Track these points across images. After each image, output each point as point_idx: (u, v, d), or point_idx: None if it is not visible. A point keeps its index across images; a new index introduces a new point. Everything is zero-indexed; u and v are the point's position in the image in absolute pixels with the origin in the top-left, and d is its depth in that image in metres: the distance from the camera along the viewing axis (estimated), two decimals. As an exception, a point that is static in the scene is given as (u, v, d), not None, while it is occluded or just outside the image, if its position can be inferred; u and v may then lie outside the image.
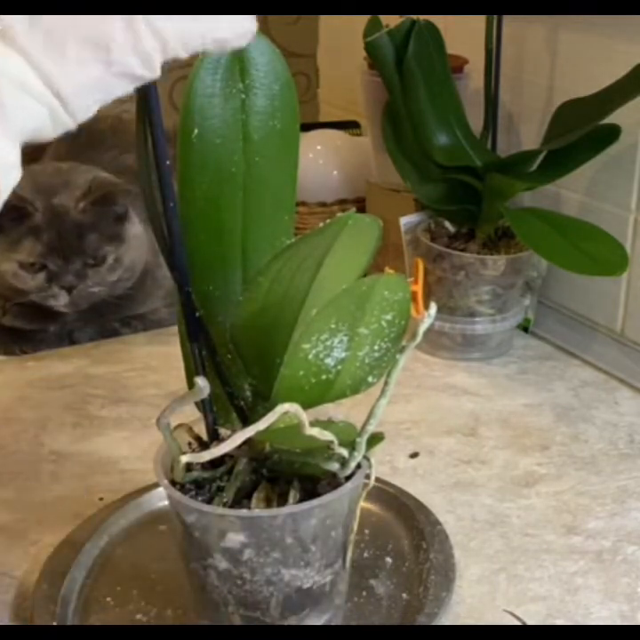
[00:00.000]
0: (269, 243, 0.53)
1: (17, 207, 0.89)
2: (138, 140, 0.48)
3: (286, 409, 0.47)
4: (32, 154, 1.08)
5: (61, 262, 0.91)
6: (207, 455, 0.50)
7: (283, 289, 0.51)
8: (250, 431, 0.48)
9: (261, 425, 0.47)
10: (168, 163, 0.47)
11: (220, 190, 0.50)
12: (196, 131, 0.50)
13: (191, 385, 0.50)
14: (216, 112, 0.50)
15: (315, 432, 0.48)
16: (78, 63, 0.34)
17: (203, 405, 0.54)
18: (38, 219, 0.90)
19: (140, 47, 0.35)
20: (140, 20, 0.35)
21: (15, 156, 0.35)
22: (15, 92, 0.34)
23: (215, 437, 0.56)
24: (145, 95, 0.45)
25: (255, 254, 0.53)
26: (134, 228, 0.96)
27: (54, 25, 0.34)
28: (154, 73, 0.36)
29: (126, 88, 0.36)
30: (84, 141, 1.03)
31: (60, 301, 0.92)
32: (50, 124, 0.35)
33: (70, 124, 0.36)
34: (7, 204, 0.98)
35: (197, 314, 0.52)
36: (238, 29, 0.38)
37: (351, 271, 0.52)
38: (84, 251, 0.91)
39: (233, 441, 0.48)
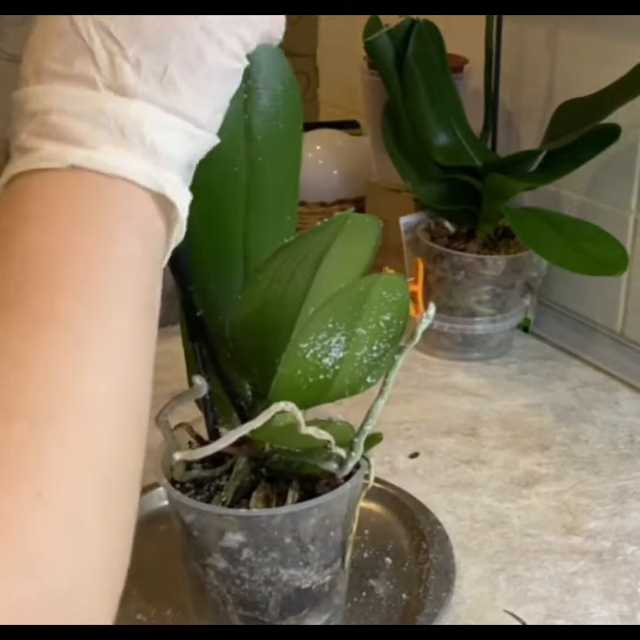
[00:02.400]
0: (271, 243, 0.53)
1: None
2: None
3: (282, 407, 0.47)
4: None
5: None
6: (200, 452, 0.50)
7: (281, 288, 0.51)
8: (245, 429, 0.48)
9: (256, 423, 0.47)
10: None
11: (222, 190, 0.50)
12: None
13: (190, 383, 0.50)
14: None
15: (311, 431, 0.48)
16: (192, 86, 0.36)
17: (203, 404, 0.54)
18: None
19: (226, 47, 0.37)
20: (215, 24, 0.37)
21: (187, 191, 0.38)
22: (158, 132, 0.36)
23: (216, 437, 0.56)
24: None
25: (257, 254, 0.53)
26: None
27: (150, 60, 0.36)
28: (245, 61, 0.39)
29: (235, 83, 0.39)
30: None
31: None
32: (191, 143, 0.37)
33: (214, 140, 0.39)
34: None
35: (198, 313, 0.52)
36: (277, 20, 0.41)
37: (350, 271, 0.52)
38: None
39: (227, 438, 0.48)
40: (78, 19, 0.35)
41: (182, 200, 0.37)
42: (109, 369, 0.32)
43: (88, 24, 0.35)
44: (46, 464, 0.29)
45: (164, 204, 0.36)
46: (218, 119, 0.39)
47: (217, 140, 0.39)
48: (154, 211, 0.36)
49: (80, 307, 0.32)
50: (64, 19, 0.35)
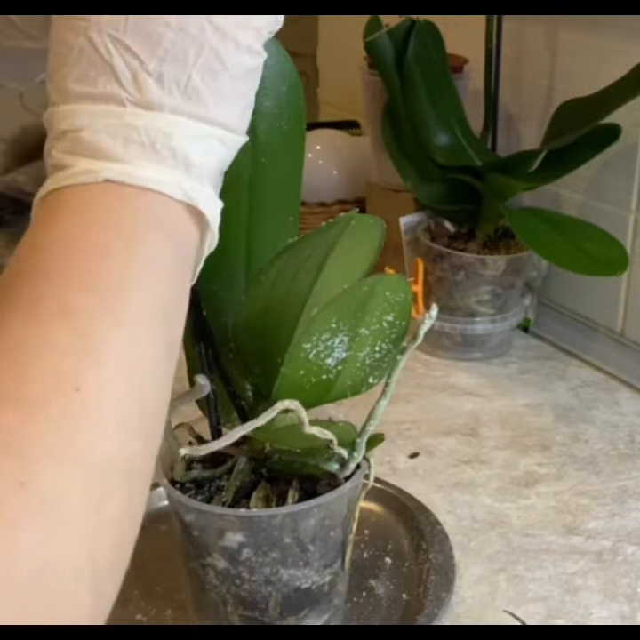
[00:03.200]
0: (274, 243, 0.53)
1: (19, 200, 0.89)
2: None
3: (286, 405, 0.47)
4: (32, 153, 1.08)
5: None
6: (205, 448, 0.50)
7: (285, 288, 0.51)
8: (248, 427, 0.48)
9: (260, 421, 0.47)
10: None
11: (225, 190, 0.50)
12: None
13: (192, 384, 0.50)
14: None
15: (314, 431, 0.48)
16: (216, 91, 0.37)
17: (207, 404, 0.54)
18: None
19: (242, 45, 0.37)
20: (227, 23, 0.37)
21: (218, 200, 0.38)
22: (189, 143, 0.36)
23: (218, 436, 0.56)
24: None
25: (260, 255, 0.53)
26: None
27: (172, 71, 0.36)
28: (263, 53, 0.39)
29: (257, 77, 0.39)
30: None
31: None
32: (223, 149, 0.38)
33: (244, 140, 0.39)
34: (8, 198, 0.98)
35: (203, 313, 0.52)
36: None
37: (353, 271, 0.52)
38: None
39: (230, 436, 0.48)
40: (95, 35, 0.36)
41: (214, 209, 0.38)
42: (118, 363, 0.32)
43: (105, 40, 0.36)
44: (32, 452, 0.29)
45: (197, 213, 0.37)
46: (246, 118, 0.39)
47: (246, 139, 0.39)
48: (186, 218, 0.37)
49: (91, 299, 0.32)
50: (81, 37, 0.36)
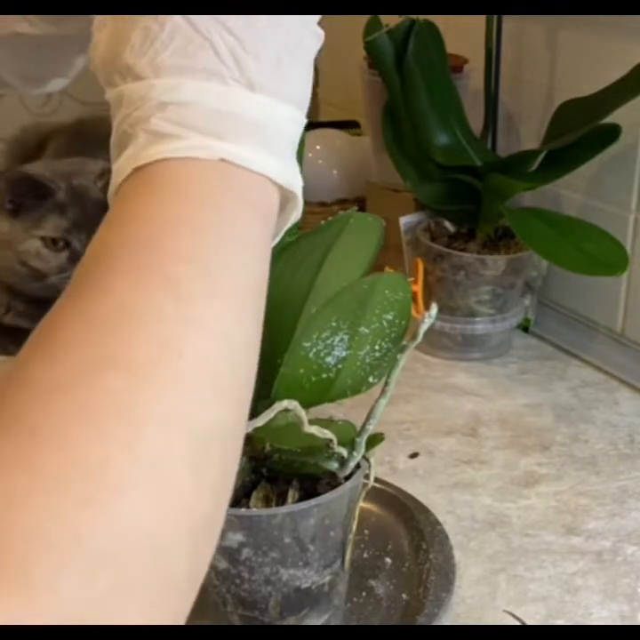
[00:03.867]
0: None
1: (40, 184, 0.89)
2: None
3: (285, 405, 0.47)
4: (32, 153, 1.08)
5: (86, 239, 0.90)
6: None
7: (284, 287, 0.51)
8: (248, 427, 0.48)
9: (260, 421, 0.47)
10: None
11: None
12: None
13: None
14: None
15: (314, 430, 0.48)
16: (298, 74, 0.38)
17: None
18: (61, 196, 0.90)
19: (313, 30, 0.39)
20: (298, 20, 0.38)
21: (298, 173, 0.39)
22: (288, 128, 0.38)
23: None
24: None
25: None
26: None
27: (267, 52, 0.37)
28: (322, 36, 0.40)
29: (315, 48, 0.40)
30: (83, 145, 1.03)
31: None
32: (297, 131, 0.39)
33: (304, 121, 0.40)
34: (30, 183, 0.98)
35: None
36: None
37: (353, 270, 0.52)
38: None
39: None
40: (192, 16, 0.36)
41: (300, 188, 0.39)
42: (217, 333, 0.32)
43: (204, 19, 0.36)
44: (139, 416, 0.29)
45: (286, 192, 0.38)
46: (309, 95, 0.40)
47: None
48: (277, 199, 0.38)
49: (190, 268, 0.33)
50: (175, 17, 0.36)
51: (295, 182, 0.38)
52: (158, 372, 0.30)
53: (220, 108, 0.36)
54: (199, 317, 0.32)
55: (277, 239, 0.40)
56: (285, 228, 0.40)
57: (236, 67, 0.36)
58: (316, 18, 0.39)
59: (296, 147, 0.39)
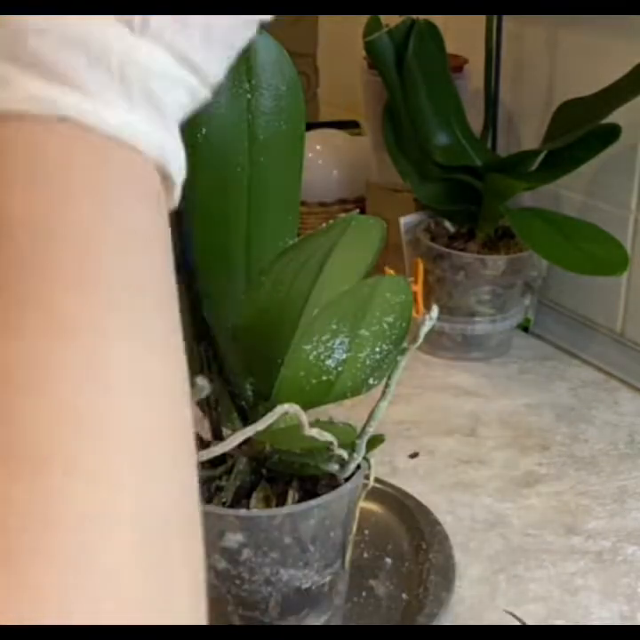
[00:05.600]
0: (273, 243, 0.53)
1: None
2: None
3: (286, 409, 0.47)
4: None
5: None
6: (207, 454, 0.50)
7: (285, 289, 0.51)
8: (249, 431, 0.48)
9: (260, 425, 0.47)
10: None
11: (224, 190, 0.50)
12: (203, 130, 0.50)
13: (192, 384, 0.50)
14: (222, 112, 0.50)
15: (314, 433, 0.48)
16: (207, 28, 0.28)
17: (207, 405, 0.54)
18: None
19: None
20: None
21: (181, 150, 0.29)
22: (166, 85, 0.27)
23: (219, 437, 0.56)
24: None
25: (259, 254, 0.53)
26: None
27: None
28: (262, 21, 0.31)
29: (253, 31, 0.31)
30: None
31: None
32: (189, 102, 0.29)
33: (207, 96, 0.30)
34: None
35: (203, 314, 0.52)
36: None
37: (354, 272, 0.52)
38: None
39: (231, 441, 0.48)
40: None
41: (179, 167, 0.29)
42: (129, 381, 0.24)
43: None
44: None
45: (163, 170, 0.28)
46: (221, 75, 0.30)
47: (206, 97, 0.30)
48: (156, 177, 0.28)
49: (81, 302, 0.24)
50: None
51: (173, 161, 0.28)
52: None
53: (74, 39, 0.25)
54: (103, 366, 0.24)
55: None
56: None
57: None
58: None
59: (180, 122, 0.29)
